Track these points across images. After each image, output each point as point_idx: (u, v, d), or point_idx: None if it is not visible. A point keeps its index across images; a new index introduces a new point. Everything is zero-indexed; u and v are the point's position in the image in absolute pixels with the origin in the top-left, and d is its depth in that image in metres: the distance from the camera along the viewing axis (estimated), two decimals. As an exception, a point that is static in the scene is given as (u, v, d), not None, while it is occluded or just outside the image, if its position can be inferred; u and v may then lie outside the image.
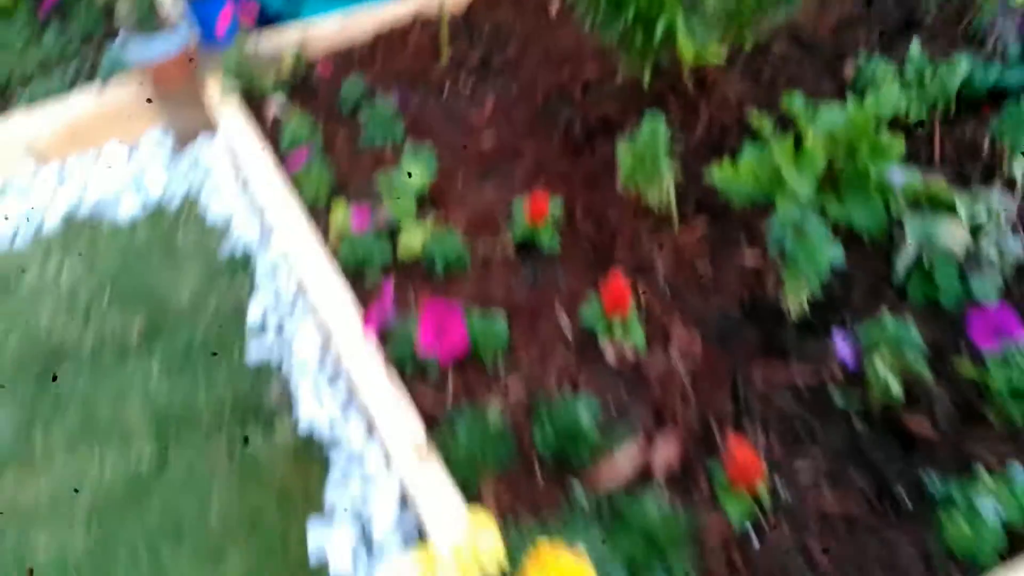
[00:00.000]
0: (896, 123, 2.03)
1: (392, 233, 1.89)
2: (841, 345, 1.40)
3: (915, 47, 2.07)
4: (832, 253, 1.50)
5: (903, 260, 1.59)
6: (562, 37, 2.57)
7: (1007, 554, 1.24)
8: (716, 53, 2.01)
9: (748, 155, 1.82)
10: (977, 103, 2.07)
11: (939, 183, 1.71)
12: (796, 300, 1.58)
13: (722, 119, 2.06)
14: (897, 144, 1.76)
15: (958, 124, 2.01)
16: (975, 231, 1.56)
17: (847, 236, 1.75)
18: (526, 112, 2.33)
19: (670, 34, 1.90)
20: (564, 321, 1.71)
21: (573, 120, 2.22)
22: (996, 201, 1.58)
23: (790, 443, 1.45)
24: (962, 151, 1.94)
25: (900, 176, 1.57)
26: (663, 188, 1.79)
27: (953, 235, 1.55)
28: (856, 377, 1.47)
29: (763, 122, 1.93)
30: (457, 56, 2.61)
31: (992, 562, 1.22)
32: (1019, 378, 1.32)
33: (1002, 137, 1.78)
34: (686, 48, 1.90)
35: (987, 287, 1.54)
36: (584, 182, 2.04)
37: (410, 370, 1.62)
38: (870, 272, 1.69)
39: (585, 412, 1.44)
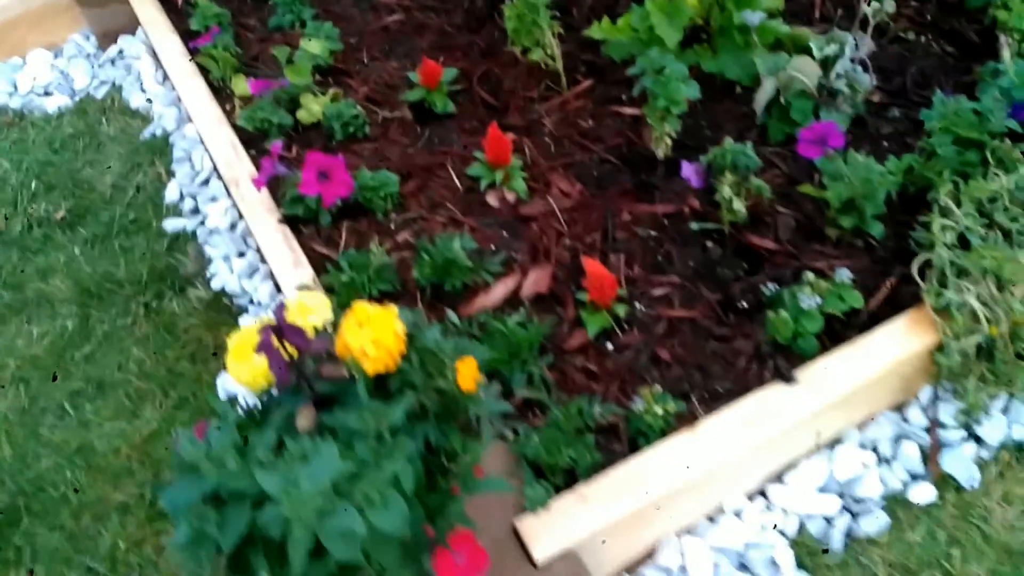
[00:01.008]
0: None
1: (293, 102, 1.97)
2: (688, 170, 1.50)
3: (800, -94, 2.12)
4: (688, 90, 1.59)
5: (761, 98, 1.68)
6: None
7: (829, 344, 1.37)
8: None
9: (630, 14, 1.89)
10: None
11: (798, 28, 1.80)
12: (661, 139, 1.68)
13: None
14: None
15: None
16: (826, 66, 1.65)
17: (721, 87, 1.85)
18: (436, -10, 2.39)
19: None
20: (455, 176, 1.81)
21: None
22: (847, 38, 1.66)
23: (650, 267, 1.57)
24: (838, 4, 2.02)
25: (755, 17, 1.65)
26: (546, 44, 1.86)
27: (804, 70, 1.64)
28: (710, 205, 1.59)
29: (650, -16, 1.99)
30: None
31: (812, 347, 1.35)
32: (849, 189, 1.43)
33: (869, -15, 1.85)
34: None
35: (839, 119, 1.64)
36: (483, 51, 2.11)
37: (305, 224, 1.72)
38: (739, 118, 1.79)
39: (459, 246, 1.54)
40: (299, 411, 0.90)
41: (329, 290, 1.56)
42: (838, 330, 1.38)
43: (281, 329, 0.85)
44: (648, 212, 1.65)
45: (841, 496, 1.34)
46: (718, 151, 1.50)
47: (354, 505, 0.83)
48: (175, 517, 0.87)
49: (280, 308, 0.90)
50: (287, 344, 0.88)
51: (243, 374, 0.94)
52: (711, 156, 1.51)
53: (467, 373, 0.94)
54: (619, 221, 1.66)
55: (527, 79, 2.00)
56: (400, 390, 0.95)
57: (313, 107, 1.93)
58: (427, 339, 1.00)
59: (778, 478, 1.36)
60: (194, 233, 2.02)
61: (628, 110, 1.85)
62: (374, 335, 0.91)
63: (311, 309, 0.99)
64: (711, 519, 1.34)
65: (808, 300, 1.32)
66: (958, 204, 1.41)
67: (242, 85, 1.95)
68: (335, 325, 0.99)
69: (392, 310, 0.95)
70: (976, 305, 1.27)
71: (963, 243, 1.39)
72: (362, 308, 0.95)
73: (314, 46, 2.06)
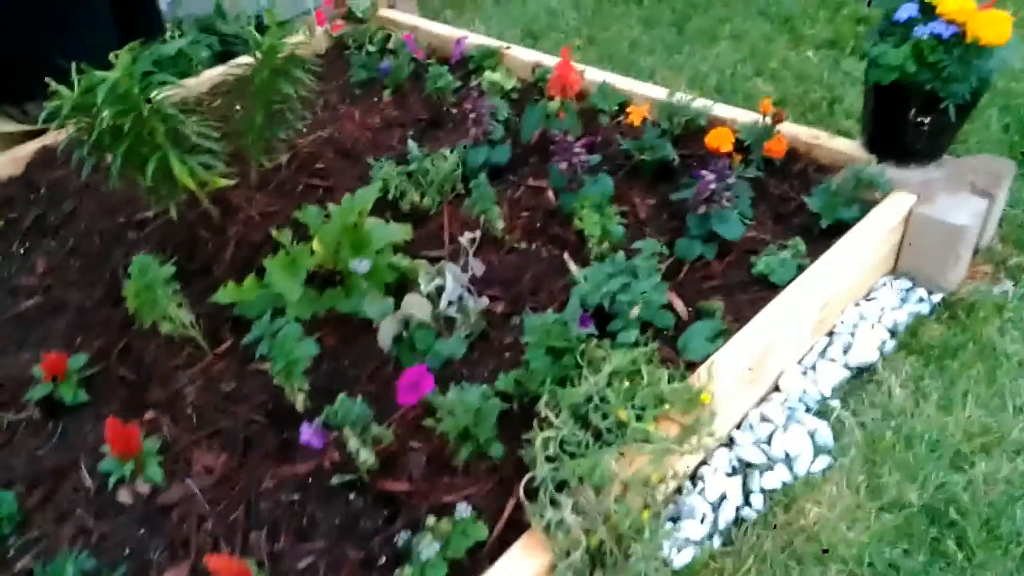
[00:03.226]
0: (410, 214, 2.27)
1: None
2: (307, 433, 1.49)
3: (411, 144, 2.35)
4: (306, 349, 1.62)
5: (384, 336, 1.75)
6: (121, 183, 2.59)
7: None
8: (221, 180, 2.12)
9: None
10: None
11: (414, 262, 1.93)
12: (295, 395, 1.68)
13: (252, 238, 2.17)
14: (383, 236, 1.97)
15: (464, 201, 2.29)
16: (438, 297, 1.76)
17: (360, 326, 1.90)
18: (79, 264, 2.31)
19: (168, 169, 1.98)
20: (87, 475, 1.68)
21: (118, 265, 2.23)
22: (451, 268, 1.80)
23: (295, 536, 1.52)
24: (466, 227, 2.20)
25: (362, 265, 1.74)
26: (171, 317, 1.84)
27: (417, 305, 1.74)
28: (348, 457, 1.58)
29: (283, 235, 2.06)
30: (12, 219, 2.53)
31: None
32: (461, 419, 1.49)
33: (474, 208, 2.05)
34: (186, 180, 1.99)
35: (454, 345, 1.74)
36: (123, 325, 2.04)
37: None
38: (378, 354, 1.84)
39: (73, 568, 1.40)
40: None
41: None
42: (468, 567, 1.39)
43: None
44: (291, 474, 1.62)
45: None
46: (330, 409, 1.51)
47: None
48: None
49: None
50: None
51: None
52: (325, 415, 1.52)
53: None
54: (264, 489, 1.60)
55: (169, 348, 1.95)
56: None
57: (-85, 429, 1.73)
58: None
59: None
60: None
61: (267, 366, 1.85)
62: None
63: None
64: None
65: (427, 549, 1.33)
66: (558, 412, 1.52)
67: None
68: None
69: None
70: (572, 518, 1.34)
71: (567, 451, 1.48)
72: None
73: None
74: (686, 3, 3.60)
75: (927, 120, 1.94)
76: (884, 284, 1.99)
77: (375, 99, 2.93)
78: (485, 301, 1.84)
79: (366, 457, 1.51)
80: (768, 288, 1.85)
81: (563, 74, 2.25)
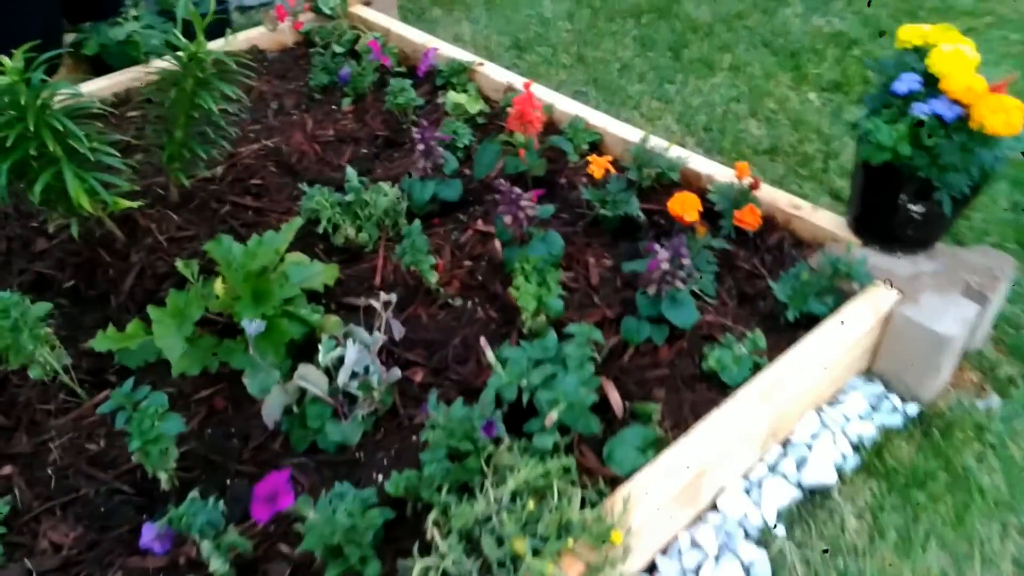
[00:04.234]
0: (344, 250, 2.04)
1: None
2: (148, 536, 1.28)
3: (351, 171, 2.11)
4: (170, 427, 1.40)
5: (270, 410, 1.53)
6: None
7: None
8: (123, 202, 1.89)
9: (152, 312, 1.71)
10: (431, 214, 2.15)
11: (325, 317, 1.71)
12: (159, 474, 1.47)
13: (157, 267, 1.95)
14: (301, 278, 1.76)
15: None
16: (337, 369, 1.54)
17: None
18: (-22, 274, 2.09)
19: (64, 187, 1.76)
20: (-83, 540, 1.47)
21: (15, 282, 2.01)
22: (358, 335, 1.58)
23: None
24: (401, 272, 1.97)
25: (253, 327, 1.52)
26: (39, 362, 1.62)
27: (312, 377, 1.52)
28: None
29: (189, 268, 1.84)
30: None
31: None
32: (330, 536, 1.27)
33: (403, 256, 1.82)
34: (82, 199, 1.77)
35: (348, 430, 1.53)
36: (3, 358, 1.83)
37: None
38: (262, 423, 1.62)
39: None
40: None
41: None
42: None
43: None
44: (141, 567, 1.41)
45: None
46: (174, 513, 1.30)
47: None
48: None
49: None
50: None
51: None
52: (169, 517, 1.30)
53: None
54: (111, 584, 1.40)
55: (45, 390, 1.73)
56: None
57: None
58: None
59: None
60: None
61: (144, 426, 1.63)
62: None
63: None
64: None
65: None
66: (448, 532, 1.30)
67: None
68: None
69: None
70: None
71: (450, 583, 1.26)
72: None
73: None
74: (687, 25, 3.34)
75: (919, 209, 1.70)
76: (854, 387, 1.76)
77: (333, 107, 2.69)
78: (397, 373, 1.61)
79: (218, 567, 1.30)
80: (718, 387, 1.63)
81: (523, 111, 2.01)
